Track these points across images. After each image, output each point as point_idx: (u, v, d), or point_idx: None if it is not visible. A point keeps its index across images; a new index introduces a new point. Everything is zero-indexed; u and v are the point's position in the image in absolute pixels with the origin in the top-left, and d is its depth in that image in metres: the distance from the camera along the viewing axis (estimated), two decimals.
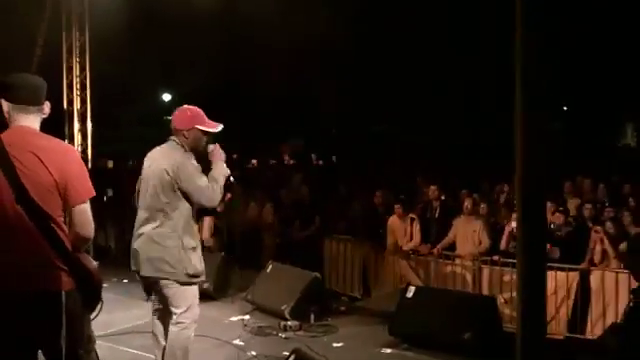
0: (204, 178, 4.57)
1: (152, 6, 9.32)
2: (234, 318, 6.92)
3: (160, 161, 4.59)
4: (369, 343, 6.40)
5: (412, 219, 8.76)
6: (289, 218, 9.89)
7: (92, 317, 3.33)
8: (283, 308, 6.86)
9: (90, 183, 3.25)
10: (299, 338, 6.47)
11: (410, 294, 6.56)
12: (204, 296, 7.73)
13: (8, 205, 3.07)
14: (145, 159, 4.77)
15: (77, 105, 10.51)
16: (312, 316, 6.88)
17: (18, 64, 9.64)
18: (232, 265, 8.46)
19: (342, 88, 15.24)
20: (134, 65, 9.50)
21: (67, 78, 10.11)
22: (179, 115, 4.71)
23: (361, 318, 7.27)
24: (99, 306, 3.32)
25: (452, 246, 8.25)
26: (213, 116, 4.80)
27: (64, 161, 3.15)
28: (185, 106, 4.81)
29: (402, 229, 8.76)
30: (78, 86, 10.16)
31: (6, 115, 3.22)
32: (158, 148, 4.76)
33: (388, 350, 6.19)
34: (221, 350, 5.97)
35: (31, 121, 3.23)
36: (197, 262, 4.61)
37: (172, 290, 4.57)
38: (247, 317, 7.08)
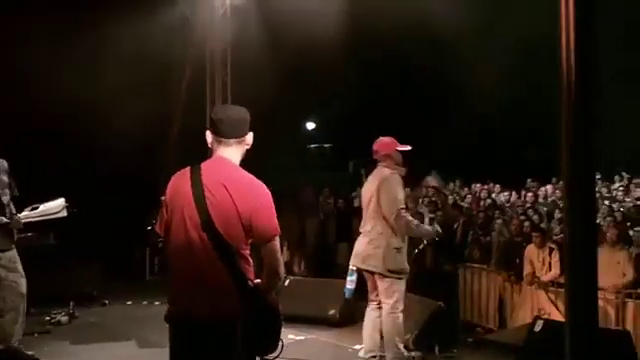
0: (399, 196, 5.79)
1: (290, 37, 9.67)
2: (357, 346, 6.88)
3: (373, 180, 5.97)
4: None
5: (551, 249, 8.28)
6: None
7: (272, 358, 3.28)
8: (407, 337, 6.72)
9: (276, 222, 3.24)
10: None
11: (538, 328, 6.18)
12: (328, 323, 7.87)
13: (194, 231, 3.19)
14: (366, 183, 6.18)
15: None
16: (436, 347, 6.69)
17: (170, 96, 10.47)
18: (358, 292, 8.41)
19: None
20: (278, 95, 9.82)
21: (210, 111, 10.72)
22: (382, 144, 6.00)
23: (489, 351, 6.91)
24: (279, 346, 3.27)
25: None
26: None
27: (251, 196, 3.19)
28: (380, 138, 6.05)
29: (541, 259, 8.31)
30: None
31: (210, 146, 3.40)
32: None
33: None
34: None
35: (230, 153, 3.34)
36: (400, 261, 5.81)
37: (383, 284, 5.79)
38: None
